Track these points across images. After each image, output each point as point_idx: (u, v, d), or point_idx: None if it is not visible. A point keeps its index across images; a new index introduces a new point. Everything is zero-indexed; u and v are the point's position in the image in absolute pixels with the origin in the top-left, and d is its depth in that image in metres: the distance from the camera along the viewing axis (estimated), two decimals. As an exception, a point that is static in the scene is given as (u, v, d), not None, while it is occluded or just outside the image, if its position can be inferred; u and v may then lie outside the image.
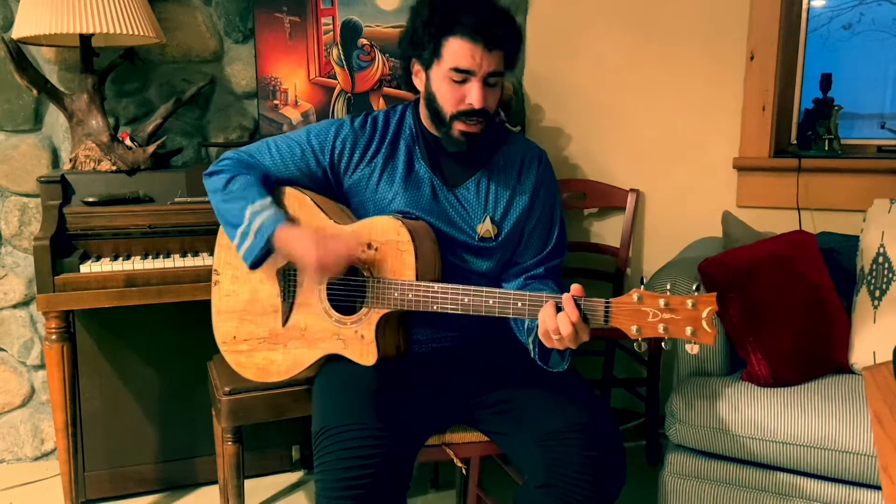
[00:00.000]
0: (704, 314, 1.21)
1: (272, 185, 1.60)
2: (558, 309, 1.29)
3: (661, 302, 1.24)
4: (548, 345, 1.34)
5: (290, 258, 1.51)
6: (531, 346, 1.46)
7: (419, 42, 1.49)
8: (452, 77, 1.46)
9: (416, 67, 1.55)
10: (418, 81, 1.56)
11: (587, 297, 1.29)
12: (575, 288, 1.30)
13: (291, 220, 1.54)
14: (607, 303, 1.28)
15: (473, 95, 1.46)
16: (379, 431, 1.37)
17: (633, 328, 1.25)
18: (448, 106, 1.48)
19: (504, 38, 1.46)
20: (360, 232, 1.50)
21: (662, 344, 1.27)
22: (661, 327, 1.24)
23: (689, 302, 1.22)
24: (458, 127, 1.49)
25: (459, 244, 1.57)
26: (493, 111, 1.51)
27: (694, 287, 1.26)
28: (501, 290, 1.37)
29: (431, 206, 1.57)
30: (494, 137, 1.63)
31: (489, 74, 1.46)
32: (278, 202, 1.58)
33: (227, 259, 1.65)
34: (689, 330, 1.22)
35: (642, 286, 1.26)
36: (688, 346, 1.24)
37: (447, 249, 1.55)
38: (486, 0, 1.47)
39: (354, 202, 1.62)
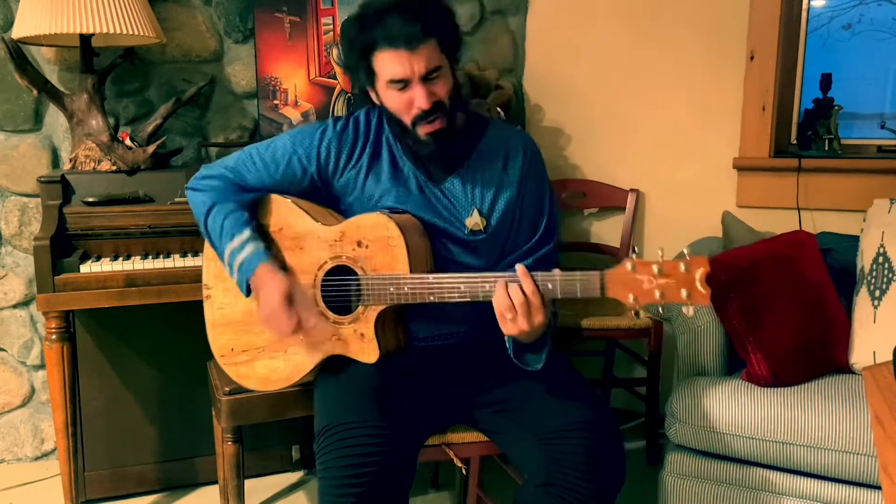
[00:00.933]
0: (698, 275, 1.23)
1: (258, 200, 1.61)
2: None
3: (655, 268, 1.25)
4: (505, 330, 1.35)
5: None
6: (507, 343, 1.46)
7: (353, 67, 1.50)
8: (393, 88, 1.46)
9: (369, 90, 1.55)
10: (375, 98, 1.55)
11: (583, 271, 1.30)
12: (520, 266, 1.33)
13: (272, 255, 1.54)
14: (602, 274, 1.28)
15: (419, 98, 1.44)
16: (381, 429, 1.37)
17: (630, 297, 1.26)
18: (403, 115, 1.48)
19: (423, 32, 1.41)
20: (347, 232, 1.50)
21: (659, 309, 1.29)
22: (657, 293, 1.25)
23: (682, 266, 1.24)
24: (422, 130, 1.48)
25: (450, 239, 1.56)
26: (446, 101, 1.48)
27: (685, 251, 1.27)
28: (497, 274, 1.37)
29: (419, 201, 1.56)
30: (474, 128, 1.61)
31: (426, 73, 1.43)
32: (261, 210, 1.60)
33: (216, 272, 1.65)
34: (684, 293, 1.24)
35: (634, 255, 1.27)
36: (684, 309, 1.26)
37: (438, 245, 1.55)
38: (391, 4, 1.44)
39: (344, 204, 1.61)
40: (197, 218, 1.62)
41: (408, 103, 1.46)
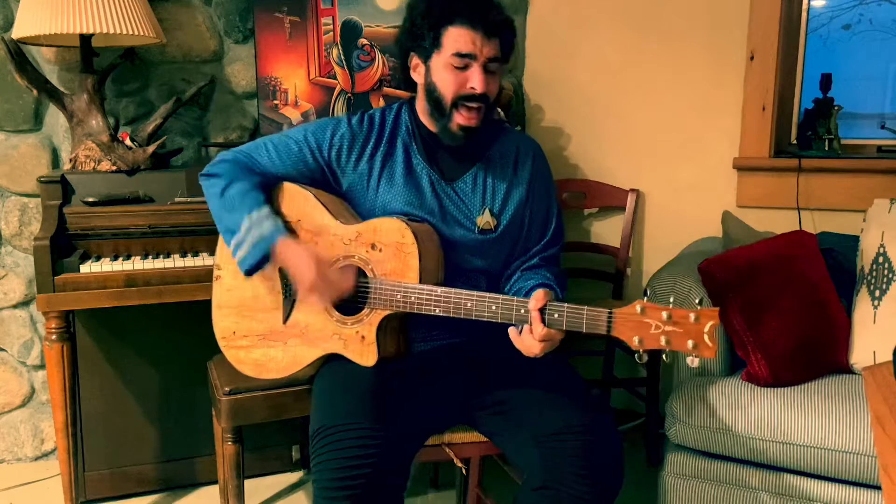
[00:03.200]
0: (706, 328, 1.22)
1: (271, 186, 1.60)
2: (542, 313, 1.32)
3: (664, 314, 1.24)
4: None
5: (286, 269, 1.51)
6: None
7: (418, 34, 1.52)
8: (454, 63, 1.49)
9: (415, 61, 1.56)
10: (416, 75, 1.57)
11: (590, 308, 1.30)
12: (538, 297, 1.32)
13: (290, 230, 1.54)
14: (610, 313, 1.28)
15: (476, 79, 1.48)
16: (375, 431, 1.37)
17: (636, 339, 1.26)
18: (449, 93, 1.50)
19: (501, 26, 1.51)
20: (363, 233, 1.50)
21: (663, 356, 1.28)
22: (662, 339, 1.24)
23: (692, 315, 1.23)
24: (458, 120, 1.51)
25: (460, 237, 1.58)
26: (492, 100, 1.54)
27: (697, 301, 1.27)
28: (504, 297, 1.37)
29: (431, 201, 1.57)
30: (489, 131, 1.65)
31: (489, 60, 1.49)
32: (280, 200, 1.59)
33: (229, 254, 1.65)
34: (690, 343, 1.23)
35: (645, 298, 1.27)
36: (688, 359, 1.25)
37: (448, 244, 1.56)
38: None
39: (355, 201, 1.62)
40: (210, 198, 1.59)
41: (461, 82, 1.49)
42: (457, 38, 1.47)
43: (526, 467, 1.45)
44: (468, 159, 1.61)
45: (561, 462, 1.38)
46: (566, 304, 1.31)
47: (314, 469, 1.38)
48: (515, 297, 1.36)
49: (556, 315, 1.32)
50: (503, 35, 1.52)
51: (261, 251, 1.49)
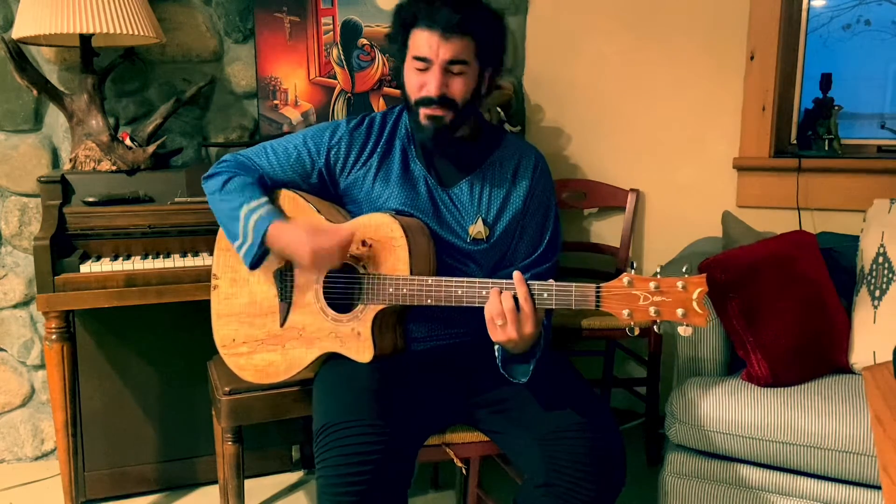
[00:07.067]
0: (695, 295, 1.21)
1: (269, 188, 1.62)
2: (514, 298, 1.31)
3: (652, 285, 1.24)
4: (493, 337, 1.35)
5: (284, 253, 1.52)
6: (497, 353, 1.45)
7: (394, 38, 1.54)
8: (416, 66, 1.49)
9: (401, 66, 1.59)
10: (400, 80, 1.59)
11: (578, 284, 1.30)
12: (517, 273, 1.32)
13: (286, 217, 1.55)
14: (598, 287, 1.28)
15: (430, 83, 1.47)
16: (380, 428, 1.37)
17: (625, 312, 1.25)
18: (411, 93, 1.52)
19: (463, 24, 1.44)
20: (353, 229, 1.50)
21: (655, 327, 1.27)
22: (652, 310, 1.23)
23: (680, 284, 1.22)
24: (424, 112, 1.50)
25: (451, 245, 1.57)
26: (459, 101, 1.49)
27: (684, 269, 1.26)
28: (495, 280, 1.37)
29: (426, 205, 1.58)
30: (489, 138, 1.64)
31: (449, 62, 1.46)
32: (273, 203, 1.60)
33: (226, 263, 1.65)
34: (680, 312, 1.22)
35: (632, 270, 1.26)
36: (680, 329, 1.24)
37: (439, 249, 1.56)
38: None
39: (350, 203, 1.62)
40: (212, 194, 1.61)
41: (420, 84, 1.49)
42: (417, 40, 1.47)
43: (528, 465, 1.46)
44: (466, 166, 1.60)
45: (564, 459, 1.38)
46: (554, 283, 1.32)
47: (319, 466, 1.38)
48: (504, 281, 1.36)
49: (545, 294, 1.32)
50: (471, 31, 1.45)
51: (260, 236, 1.49)
